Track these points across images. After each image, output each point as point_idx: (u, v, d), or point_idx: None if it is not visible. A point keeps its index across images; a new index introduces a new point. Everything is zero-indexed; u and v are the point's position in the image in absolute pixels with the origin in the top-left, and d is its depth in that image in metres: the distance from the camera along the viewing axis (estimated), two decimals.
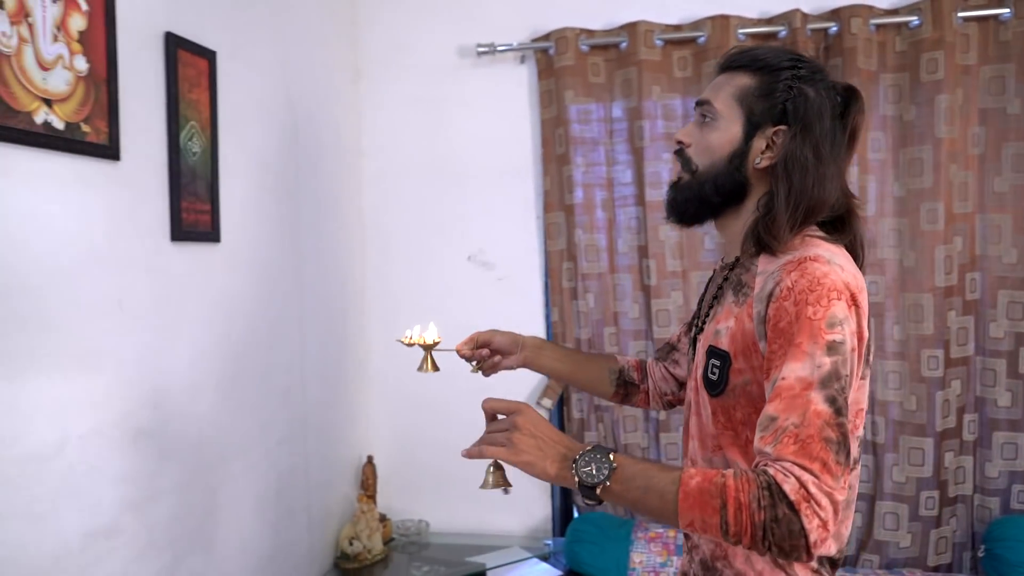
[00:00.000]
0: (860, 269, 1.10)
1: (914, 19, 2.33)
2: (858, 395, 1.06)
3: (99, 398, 1.46)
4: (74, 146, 1.39)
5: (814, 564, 1.08)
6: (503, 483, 1.14)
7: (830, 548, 1.08)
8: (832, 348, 0.97)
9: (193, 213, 1.74)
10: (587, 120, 2.55)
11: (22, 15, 1.28)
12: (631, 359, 1.52)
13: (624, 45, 2.49)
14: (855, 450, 1.07)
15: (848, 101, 1.13)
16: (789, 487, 0.91)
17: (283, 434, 2.13)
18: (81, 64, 1.40)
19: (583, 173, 2.54)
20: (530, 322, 2.63)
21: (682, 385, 1.45)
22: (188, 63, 1.74)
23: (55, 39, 1.35)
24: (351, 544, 2.34)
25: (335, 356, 2.48)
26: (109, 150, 1.47)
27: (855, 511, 1.19)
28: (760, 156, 1.12)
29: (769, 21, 2.43)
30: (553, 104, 2.55)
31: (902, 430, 2.38)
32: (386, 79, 2.72)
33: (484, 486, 1.14)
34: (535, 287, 2.65)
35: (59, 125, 1.35)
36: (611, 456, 1.00)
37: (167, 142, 1.67)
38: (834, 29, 2.37)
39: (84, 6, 1.42)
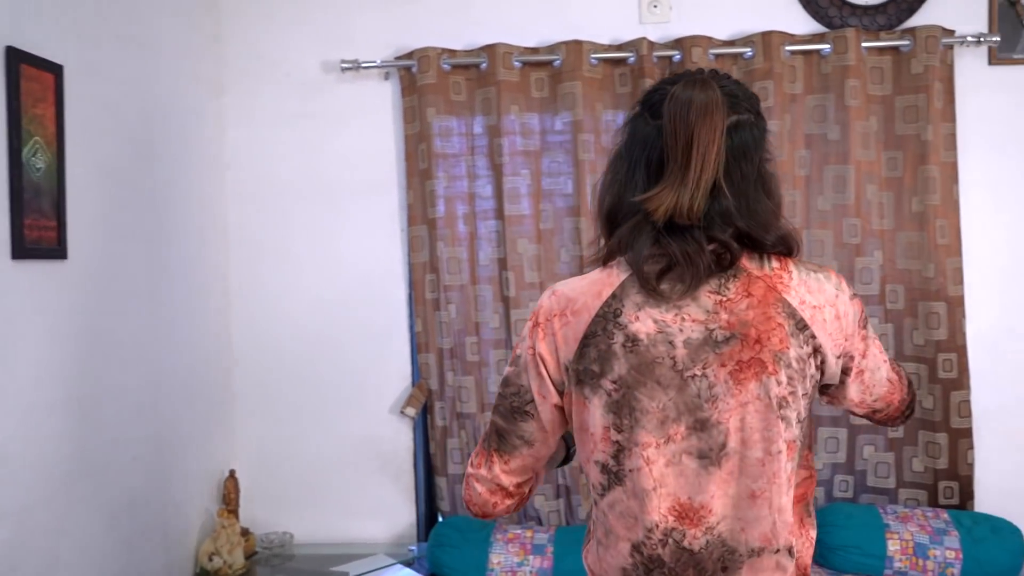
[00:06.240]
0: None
1: (748, 51, 2.53)
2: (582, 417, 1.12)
3: None
4: None
5: None
6: None
7: None
8: (514, 360, 1.16)
9: (36, 230, 1.72)
10: (449, 136, 2.63)
11: None
12: None
13: (484, 66, 2.59)
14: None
15: None
16: None
17: (137, 451, 2.10)
18: None
19: (445, 187, 2.62)
20: (395, 332, 2.69)
21: None
22: (32, 78, 1.71)
23: None
24: (211, 560, 2.33)
25: (196, 371, 2.46)
26: None
27: None
28: None
29: (619, 48, 2.58)
30: (416, 120, 2.62)
31: None
32: (250, 93, 2.71)
33: None
34: (399, 299, 2.70)
35: None
36: None
37: (7, 158, 1.64)
38: (677, 57, 2.54)
39: None
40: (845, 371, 1.15)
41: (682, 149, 1.03)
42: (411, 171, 2.65)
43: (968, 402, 2.50)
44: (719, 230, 1.05)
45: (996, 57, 2.53)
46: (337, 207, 2.70)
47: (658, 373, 1.05)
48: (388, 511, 2.70)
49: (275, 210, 2.71)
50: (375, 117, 2.70)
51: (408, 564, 2.50)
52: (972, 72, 2.54)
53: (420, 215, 2.64)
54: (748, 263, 1.08)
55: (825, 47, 2.50)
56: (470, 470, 1.20)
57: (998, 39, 2.47)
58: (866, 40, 2.50)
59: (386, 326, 2.69)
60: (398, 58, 2.64)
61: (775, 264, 1.09)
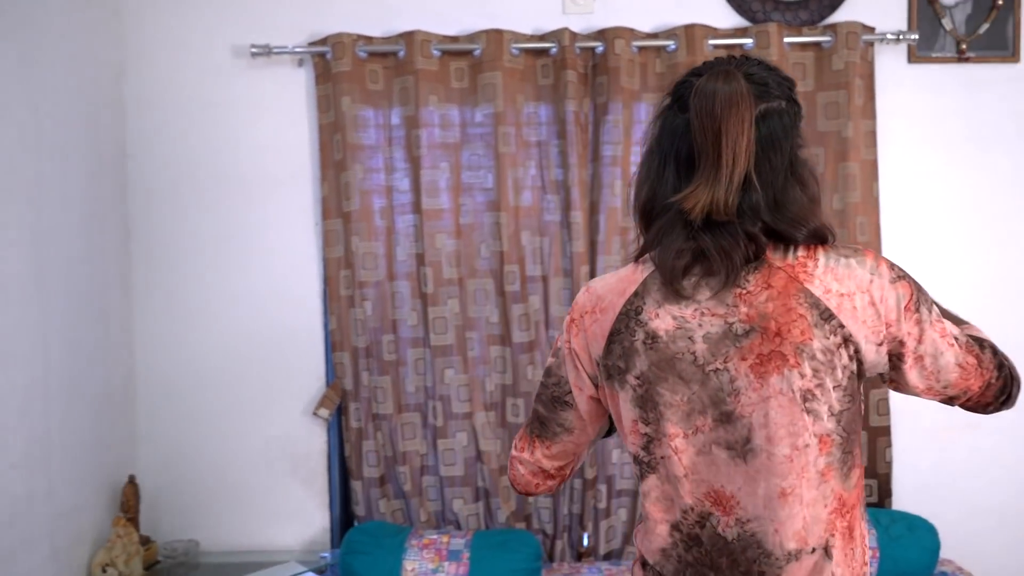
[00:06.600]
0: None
1: (671, 44, 2.49)
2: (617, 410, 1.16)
3: None
4: None
5: None
6: None
7: None
8: (555, 352, 1.23)
9: None
10: (365, 126, 2.53)
11: None
12: None
13: (402, 53, 2.49)
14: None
15: None
16: None
17: (18, 457, 1.96)
18: None
19: (361, 180, 2.52)
20: (308, 330, 2.58)
21: None
22: None
23: None
24: (104, 572, 2.19)
25: (91, 371, 2.32)
26: None
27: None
28: None
29: (541, 38, 2.52)
30: (331, 110, 2.52)
31: None
32: (154, 77, 2.56)
33: None
34: (313, 295, 2.59)
35: None
36: None
37: None
38: (600, 49, 2.48)
39: None
40: (899, 357, 1.09)
41: (712, 144, 1.02)
42: (325, 163, 2.54)
43: (887, 400, 2.51)
44: (750, 224, 1.04)
45: (915, 55, 2.53)
46: (247, 200, 2.58)
47: (679, 368, 1.07)
48: (300, 516, 2.59)
49: (180, 203, 2.57)
50: (287, 106, 2.58)
51: (320, 572, 2.41)
52: (892, 70, 2.54)
53: (335, 208, 2.53)
54: (771, 254, 1.06)
55: (748, 42, 2.47)
56: (514, 453, 1.26)
57: (916, 37, 2.47)
58: (788, 35, 2.48)
59: (298, 324, 2.58)
60: (312, 44, 2.53)
61: (800, 253, 1.06)
